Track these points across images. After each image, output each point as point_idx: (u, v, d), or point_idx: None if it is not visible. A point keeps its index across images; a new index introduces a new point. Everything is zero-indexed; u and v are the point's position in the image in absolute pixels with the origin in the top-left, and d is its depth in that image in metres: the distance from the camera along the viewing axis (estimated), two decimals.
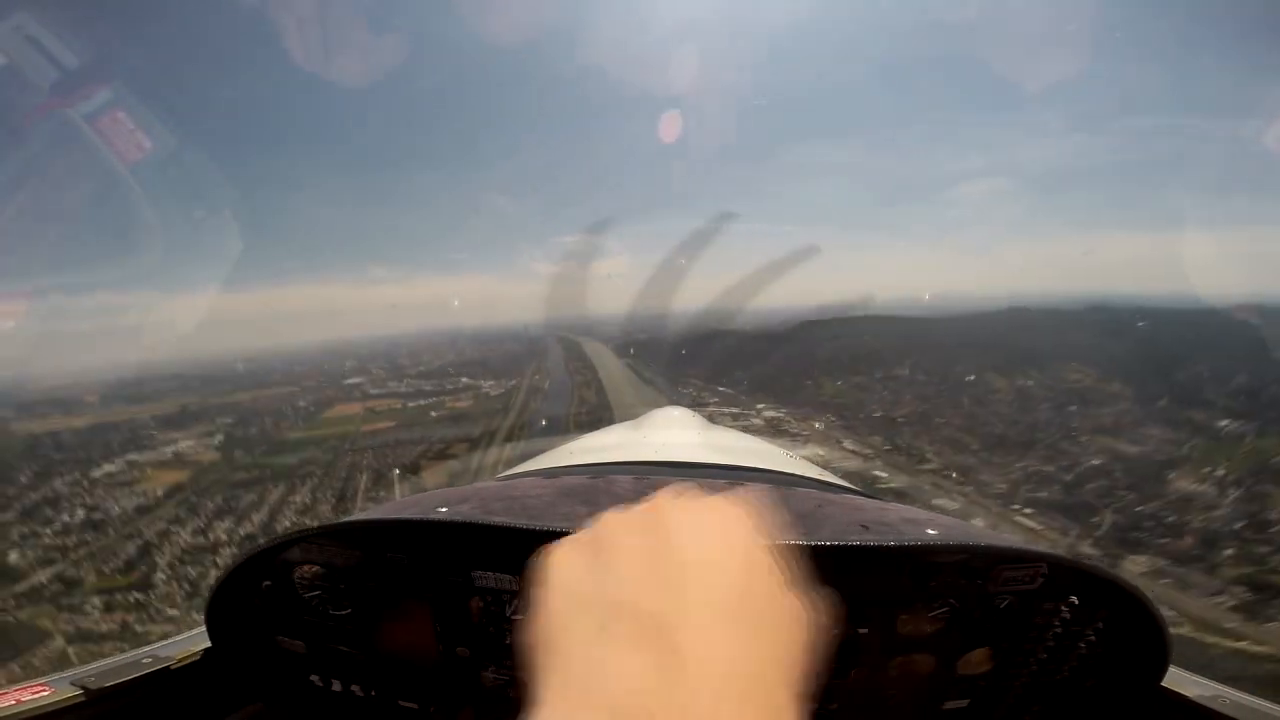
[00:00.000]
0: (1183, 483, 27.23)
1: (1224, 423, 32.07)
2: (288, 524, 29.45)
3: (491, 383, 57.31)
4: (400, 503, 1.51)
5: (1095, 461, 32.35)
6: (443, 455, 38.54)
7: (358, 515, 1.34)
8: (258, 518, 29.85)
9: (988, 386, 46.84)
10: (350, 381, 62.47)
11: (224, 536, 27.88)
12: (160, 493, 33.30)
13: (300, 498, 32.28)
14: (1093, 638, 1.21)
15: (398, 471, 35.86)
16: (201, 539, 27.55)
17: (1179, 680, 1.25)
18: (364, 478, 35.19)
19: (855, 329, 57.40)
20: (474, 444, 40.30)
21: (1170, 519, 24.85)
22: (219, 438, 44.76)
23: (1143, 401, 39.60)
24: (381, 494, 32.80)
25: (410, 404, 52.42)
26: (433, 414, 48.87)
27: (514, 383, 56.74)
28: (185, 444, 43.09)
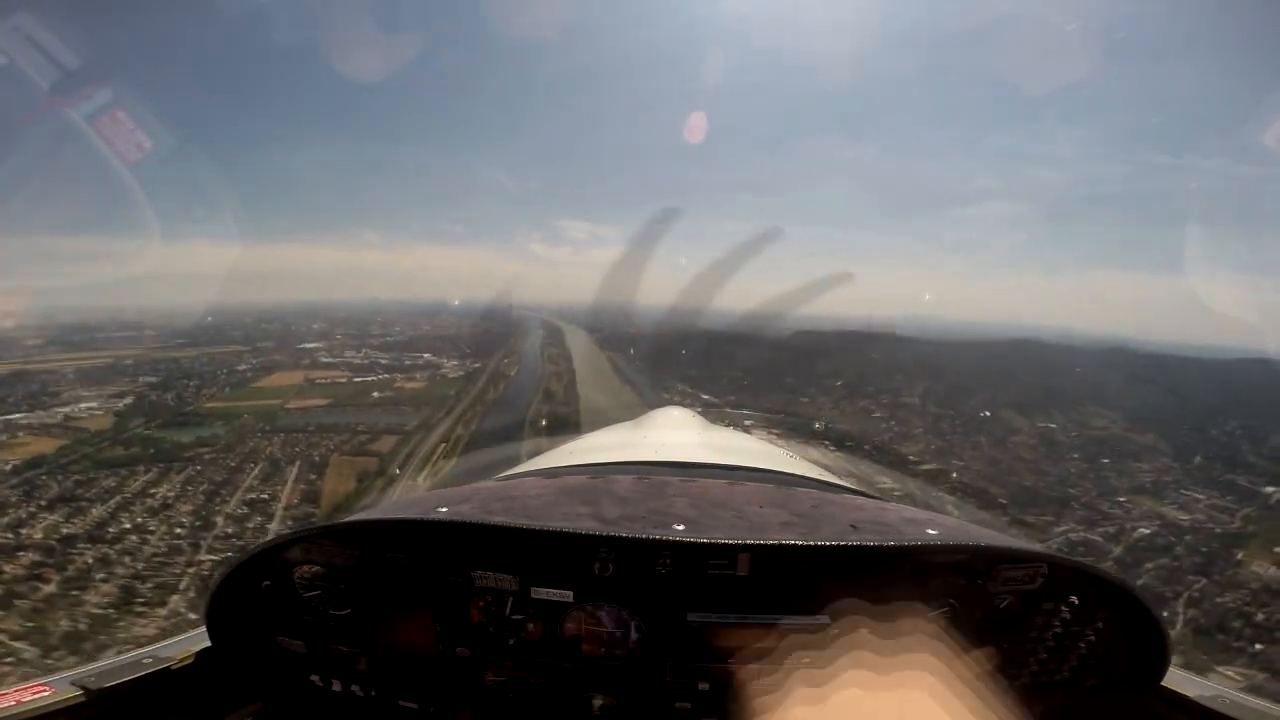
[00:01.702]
0: (1258, 566, 23.53)
1: (1270, 489, 29.56)
2: (126, 525, 23.82)
3: (454, 363, 51.44)
4: (400, 502, 1.51)
5: (1144, 530, 27.75)
6: (359, 452, 32.80)
7: (358, 515, 1.34)
8: (96, 513, 24.28)
9: (1007, 426, 41.75)
10: (305, 346, 56.98)
11: (39, 535, 22.33)
12: (9, 467, 27.92)
13: (164, 490, 26.67)
14: (1093, 638, 1.22)
15: (296, 468, 30.24)
16: (7, 537, 21.99)
17: (1179, 680, 1.26)
18: (256, 470, 29.48)
19: (856, 344, 50.64)
20: (403, 439, 34.53)
21: (1259, 617, 20.27)
22: (127, 400, 39.45)
23: (1178, 458, 35.24)
24: (264, 496, 27.06)
25: (356, 379, 46.75)
26: (375, 394, 43.11)
27: (478, 365, 50.77)
28: (85, 405, 37.80)
